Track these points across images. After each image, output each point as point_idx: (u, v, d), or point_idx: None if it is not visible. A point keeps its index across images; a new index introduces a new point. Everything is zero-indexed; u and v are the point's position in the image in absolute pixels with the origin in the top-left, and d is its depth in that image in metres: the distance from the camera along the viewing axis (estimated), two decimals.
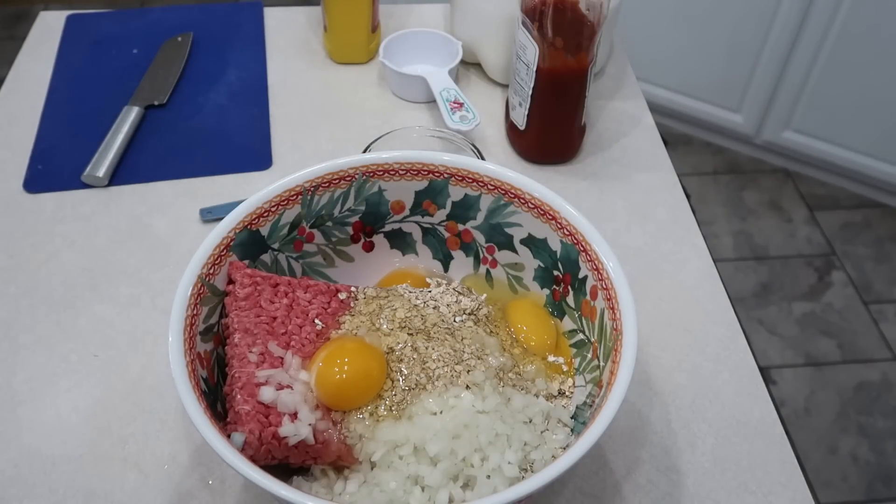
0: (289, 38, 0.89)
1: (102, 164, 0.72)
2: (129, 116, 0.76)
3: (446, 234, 0.57)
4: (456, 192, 0.55)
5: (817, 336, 1.60)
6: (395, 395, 0.47)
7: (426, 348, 0.48)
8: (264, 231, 0.52)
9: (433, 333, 0.50)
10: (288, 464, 0.45)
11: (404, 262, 0.59)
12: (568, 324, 0.53)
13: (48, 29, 0.89)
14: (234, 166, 0.74)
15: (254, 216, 0.51)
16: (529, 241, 0.54)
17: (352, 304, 0.52)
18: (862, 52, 1.61)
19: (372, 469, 0.45)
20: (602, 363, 0.47)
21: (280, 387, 0.45)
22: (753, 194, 1.89)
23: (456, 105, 0.76)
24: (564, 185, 0.73)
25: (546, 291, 0.55)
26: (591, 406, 0.47)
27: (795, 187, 1.90)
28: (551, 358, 0.53)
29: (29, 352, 0.59)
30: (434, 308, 0.51)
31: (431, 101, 0.80)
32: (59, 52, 0.86)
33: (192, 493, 0.51)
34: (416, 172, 0.55)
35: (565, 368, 0.52)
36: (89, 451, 0.53)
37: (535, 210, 0.52)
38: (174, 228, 0.68)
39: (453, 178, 0.54)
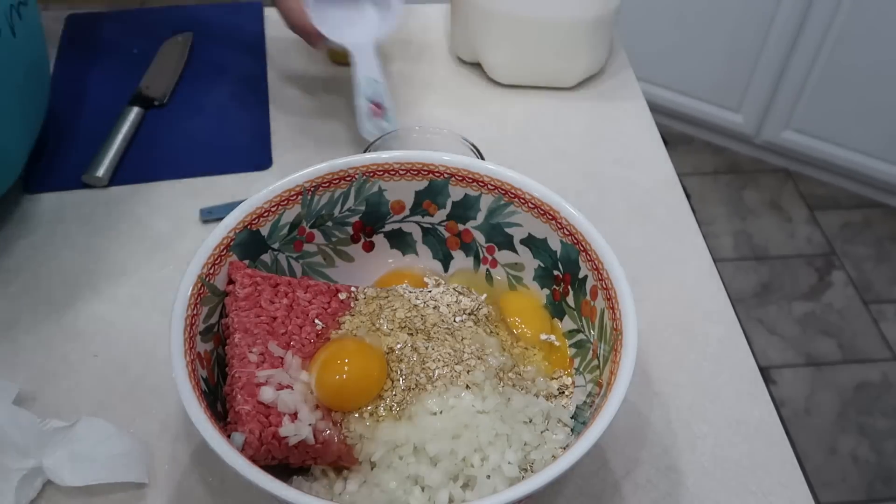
0: (289, 38, 0.88)
1: (102, 164, 0.72)
2: (129, 116, 0.76)
3: (446, 234, 0.57)
4: (456, 192, 0.55)
5: (817, 336, 1.60)
6: (395, 395, 0.47)
7: (426, 348, 0.48)
8: (264, 231, 0.52)
9: (433, 333, 0.50)
10: (288, 464, 0.45)
11: (404, 263, 0.59)
12: (568, 324, 0.53)
13: (48, 29, 0.88)
14: (234, 166, 0.74)
15: (254, 216, 0.51)
16: (529, 241, 0.54)
17: (352, 305, 0.52)
18: (861, 52, 1.61)
19: (372, 469, 0.45)
20: (602, 363, 0.47)
21: (280, 387, 0.45)
22: (753, 194, 1.89)
23: (376, 108, 0.62)
24: (564, 185, 0.73)
25: (546, 291, 0.55)
26: (591, 406, 0.47)
27: (795, 187, 1.90)
28: (543, 336, 0.53)
29: (29, 352, 0.59)
30: (434, 308, 0.51)
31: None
32: (59, 52, 0.86)
33: (192, 493, 0.51)
34: (416, 172, 0.55)
35: (557, 344, 0.53)
36: None
37: (535, 210, 0.52)
38: (174, 228, 0.68)
39: (453, 178, 0.54)
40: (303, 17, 0.66)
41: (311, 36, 0.67)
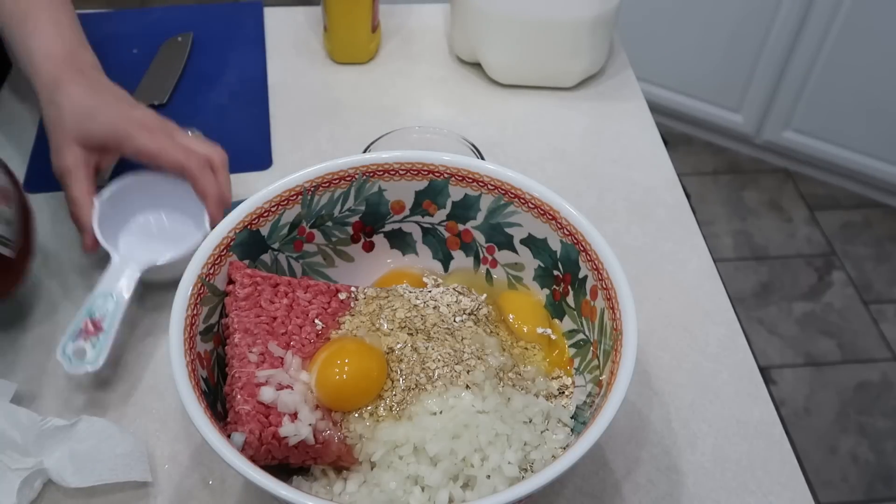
0: (289, 38, 0.89)
1: None
2: None
3: (446, 234, 0.57)
4: (456, 192, 0.55)
5: (817, 336, 1.60)
6: (395, 395, 0.47)
7: (426, 348, 0.48)
8: (264, 231, 0.52)
9: (433, 333, 0.50)
10: (288, 464, 0.45)
11: (404, 263, 0.59)
12: (568, 324, 0.53)
13: None
14: (234, 166, 0.73)
15: (254, 216, 0.51)
16: (529, 241, 0.54)
17: (352, 305, 0.52)
18: (862, 51, 1.61)
19: (372, 469, 0.45)
20: (602, 363, 0.47)
21: (280, 387, 0.45)
22: (753, 194, 1.89)
23: (91, 327, 0.52)
24: (564, 185, 0.73)
25: (546, 291, 0.55)
26: (591, 406, 0.47)
27: (795, 187, 1.90)
28: (540, 330, 0.53)
29: (29, 351, 0.59)
30: (434, 308, 0.51)
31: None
32: None
33: (192, 493, 0.51)
34: (416, 172, 0.55)
35: (554, 338, 0.53)
36: None
37: (535, 210, 0.52)
38: None
39: (453, 178, 0.54)
40: (85, 213, 0.60)
41: (85, 234, 0.60)
